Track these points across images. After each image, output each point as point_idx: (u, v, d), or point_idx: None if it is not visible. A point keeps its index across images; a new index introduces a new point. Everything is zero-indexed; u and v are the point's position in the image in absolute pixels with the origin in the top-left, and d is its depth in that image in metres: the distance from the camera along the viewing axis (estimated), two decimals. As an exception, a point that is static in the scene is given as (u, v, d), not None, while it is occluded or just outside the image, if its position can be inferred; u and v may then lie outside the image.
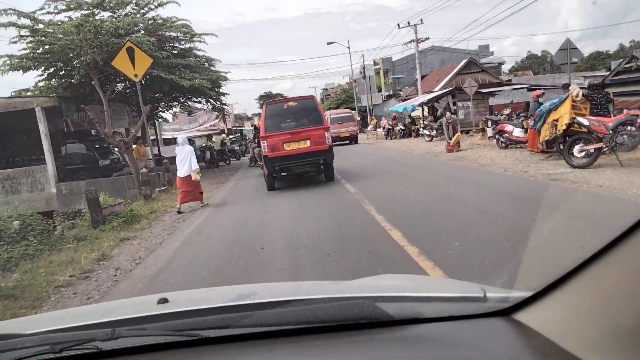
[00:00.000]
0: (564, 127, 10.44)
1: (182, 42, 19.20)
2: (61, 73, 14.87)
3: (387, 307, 1.16)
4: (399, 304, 1.24)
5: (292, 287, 2.15)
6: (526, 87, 38.71)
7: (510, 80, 46.75)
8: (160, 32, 18.27)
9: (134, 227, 8.54)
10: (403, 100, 43.50)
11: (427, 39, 37.25)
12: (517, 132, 14.02)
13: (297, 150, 10.48)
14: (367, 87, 47.80)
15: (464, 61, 44.91)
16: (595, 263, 0.89)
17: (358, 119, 36.69)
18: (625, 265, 0.83)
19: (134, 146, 17.35)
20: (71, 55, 13.85)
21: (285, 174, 11.15)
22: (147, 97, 20.54)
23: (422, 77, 48.55)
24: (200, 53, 20.13)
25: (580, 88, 10.89)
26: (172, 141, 47.18)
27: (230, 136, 43.04)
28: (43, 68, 14.74)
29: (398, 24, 37.38)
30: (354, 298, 1.29)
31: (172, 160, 28.03)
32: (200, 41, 19.14)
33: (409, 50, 43.44)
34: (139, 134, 16.51)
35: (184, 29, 18.03)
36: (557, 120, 11.21)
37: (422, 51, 39.71)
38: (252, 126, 28.92)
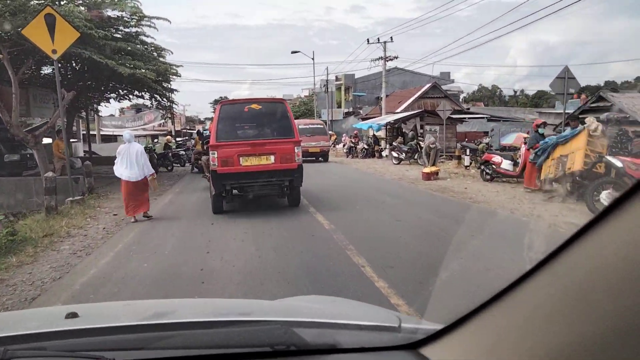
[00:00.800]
0: (582, 166, 8.70)
1: (128, 25, 16.32)
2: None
3: (305, 334, 1.17)
4: (317, 331, 1.26)
5: (212, 305, 1.95)
6: (486, 117, 38.46)
7: (468, 108, 46.66)
8: (100, 11, 15.40)
9: (4, 263, 5.73)
10: (363, 119, 42.15)
11: (396, 57, 35.84)
12: (506, 165, 12.35)
13: (257, 167, 8.28)
14: (328, 101, 46.15)
15: (428, 85, 44.37)
16: (508, 295, 0.87)
17: (331, 132, 32.53)
18: (536, 298, 0.81)
19: (54, 141, 14.24)
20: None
21: (237, 193, 8.68)
22: (76, 84, 17.49)
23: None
24: (149, 40, 17.29)
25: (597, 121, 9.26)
26: (113, 139, 43.17)
27: (178, 139, 39.65)
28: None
29: (367, 39, 35.87)
30: (272, 322, 1.27)
31: (107, 160, 24.62)
32: (150, 25, 16.35)
33: (376, 68, 42.23)
34: (58, 126, 13.40)
35: (131, 8, 15.24)
36: (565, 156, 9.51)
37: (388, 70, 38.37)
38: (198, 131, 25.56)
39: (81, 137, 26.65)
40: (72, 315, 1.29)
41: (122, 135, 36.32)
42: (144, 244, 6.72)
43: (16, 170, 14.49)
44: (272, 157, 8.30)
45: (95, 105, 22.77)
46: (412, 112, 27.49)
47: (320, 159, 23.35)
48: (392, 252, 5.64)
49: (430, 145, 14.73)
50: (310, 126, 24.58)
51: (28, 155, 14.65)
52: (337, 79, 54.73)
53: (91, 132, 42.76)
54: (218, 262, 5.47)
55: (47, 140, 15.05)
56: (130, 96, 19.95)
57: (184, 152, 24.50)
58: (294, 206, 9.18)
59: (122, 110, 53.15)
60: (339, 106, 54.99)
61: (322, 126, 25.94)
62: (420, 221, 7.81)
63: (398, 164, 20.20)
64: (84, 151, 25.11)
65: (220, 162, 8.17)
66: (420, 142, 19.56)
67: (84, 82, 17.15)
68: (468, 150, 16.38)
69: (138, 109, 46.04)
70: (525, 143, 11.83)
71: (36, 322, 1.41)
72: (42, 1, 10.77)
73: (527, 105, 62.92)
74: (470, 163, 16.15)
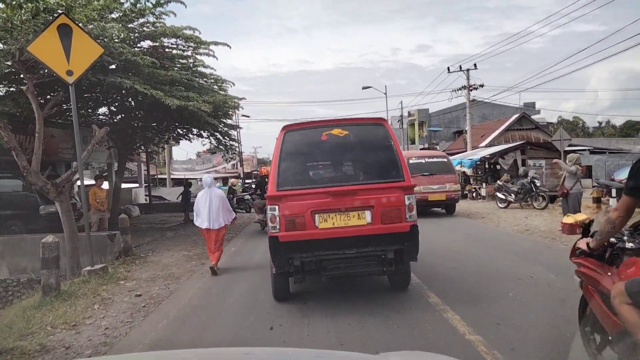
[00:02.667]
0: None
1: (184, 55, 14.21)
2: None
3: None
4: None
5: (319, 356, 1.77)
6: (588, 150, 33.04)
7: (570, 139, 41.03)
8: (158, 43, 13.44)
9: None
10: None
11: (482, 85, 31.94)
12: None
13: (343, 231, 5.15)
14: (403, 137, 42.81)
15: (516, 116, 39.82)
16: None
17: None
18: None
19: (91, 189, 11.93)
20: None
21: (311, 270, 5.32)
22: (130, 122, 15.56)
23: (461, 132, 43.62)
24: (208, 71, 15.08)
25: None
26: (181, 182, 42.38)
27: (248, 181, 37.67)
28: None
29: (448, 68, 32.58)
30: None
31: (170, 207, 22.53)
32: (208, 54, 14.12)
33: (454, 100, 38.51)
34: (98, 169, 11.12)
35: (189, 37, 13.12)
36: None
37: (472, 102, 34.45)
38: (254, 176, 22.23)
39: (142, 181, 25.13)
40: None
41: (194, 179, 34.93)
42: None
43: (54, 224, 12.33)
44: (368, 214, 5.17)
45: (153, 147, 21.05)
46: (512, 145, 23.34)
47: (447, 209, 15.35)
48: None
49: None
50: (428, 160, 15.72)
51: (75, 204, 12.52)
52: (409, 114, 51.74)
53: (162, 176, 42.42)
54: None
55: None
56: (190, 135, 17.79)
57: (249, 197, 21.93)
58: (399, 289, 5.90)
59: (198, 154, 52.93)
60: (413, 142, 51.77)
61: (445, 160, 16.18)
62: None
63: (506, 207, 16.19)
64: (146, 196, 23.48)
65: (284, 223, 5.14)
66: (536, 180, 15.50)
67: (133, 120, 15.18)
68: (614, 191, 12.17)
69: (213, 152, 45.04)
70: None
71: None
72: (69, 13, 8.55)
73: (616, 136, 56.63)
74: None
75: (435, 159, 15.88)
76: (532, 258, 7.69)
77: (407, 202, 5.21)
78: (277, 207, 5.16)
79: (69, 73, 7.34)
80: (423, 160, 15.53)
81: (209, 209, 7.80)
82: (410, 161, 13.96)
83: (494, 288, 5.83)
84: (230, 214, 8.13)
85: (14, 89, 11.58)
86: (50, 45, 7.18)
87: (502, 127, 38.41)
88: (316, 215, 5.13)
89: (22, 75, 9.16)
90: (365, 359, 1.69)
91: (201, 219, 7.88)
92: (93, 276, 7.54)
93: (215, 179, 44.59)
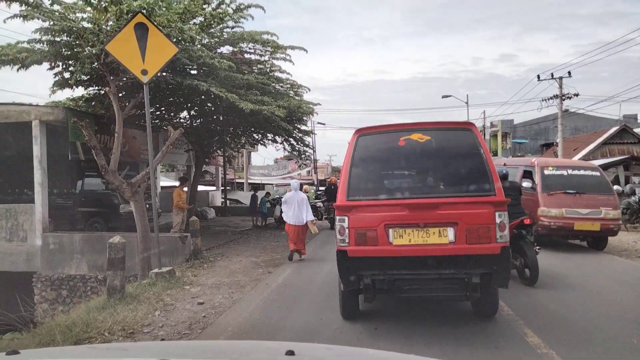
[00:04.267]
0: None
1: (262, 60, 14.17)
2: (70, 70, 10.16)
3: None
4: None
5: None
6: None
7: (680, 155, 36.66)
8: (239, 49, 13.52)
9: None
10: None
11: (577, 95, 29.28)
12: None
13: (421, 249, 4.51)
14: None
15: (615, 128, 36.14)
16: None
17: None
18: None
19: (175, 189, 12.17)
20: (76, 43, 9.10)
21: (383, 290, 4.66)
22: (209, 125, 15.79)
23: (550, 145, 40.38)
24: (284, 76, 14.94)
25: None
26: (260, 187, 43.08)
27: (322, 188, 37.36)
28: (51, 64, 10.17)
29: (538, 76, 30.17)
30: None
31: (245, 210, 22.65)
32: (285, 59, 13.95)
33: (544, 111, 35.80)
34: (182, 171, 11.20)
35: (266, 41, 13.05)
36: None
37: (564, 113, 31.68)
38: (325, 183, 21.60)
39: (219, 185, 25.66)
40: (290, 352, 1.40)
41: (270, 184, 35.59)
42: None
43: (134, 223, 12.71)
44: (451, 232, 4.48)
45: (230, 151, 21.37)
46: (615, 159, 21.00)
47: (596, 243, 10.56)
48: None
49: None
50: (574, 172, 10.69)
51: (147, 206, 12.89)
52: (492, 125, 49.07)
53: (239, 180, 43.56)
54: None
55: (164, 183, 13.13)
56: (265, 140, 17.79)
57: (321, 204, 21.51)
58: (486, 317, 5.11)
59: (275, 161, 53.92)
60: (495, 154, 49.03)
61: (598, 174, 10.86)
62: None
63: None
64: (223, 199, 23.92)
65: (353, 236, 4.59)
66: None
67: (211, 124, 15.38)
68: None
69: (290, 158, 45.49)
70: None
71: (262, 355, 1.67)
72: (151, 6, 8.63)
73: None
74: None
75: (584, 172, 10.61)
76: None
77: (498, 220, 4.45)
78: (346, 218, 4.63)
79: (144, 72, 7.30)
80: (565, 172, 10.50)
81: (293, 208, 9.42)
82: (546, 172, 10.35)
83: (608, 330, 4.78)
84: (309, 215, 9.46)
85: (101, 91, 12.07)
86: (127, 44, 7.20)
87: (599, 140, 34.96)
88: (390, 230, 4.54)
89: (106, 78, 9.41)
90: None
91: (287, 216, 9.54)
92: (160, 279, 7.40)
93: (289, 185, 44.99)
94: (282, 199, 10.03)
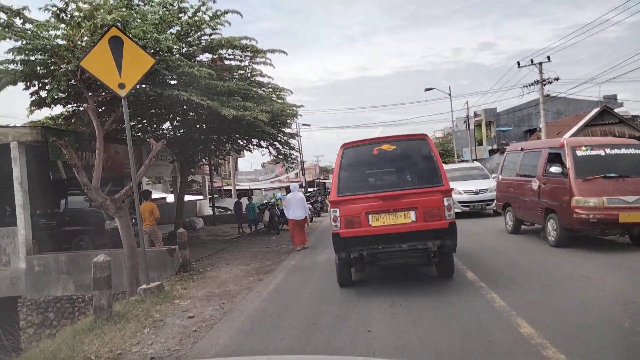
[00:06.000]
0: None
1: (241, 61, 14.03)
2: (46, 89, 9.98)
3: None
4: None
5: None
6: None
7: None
8: (218, 56, 13.39)
9: None
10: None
11: (557, 79, 29.61)
12: None
13: (392, 228, 6.19)
14: (470, 139, 40.86)
15: (596, 110, 36.56)
16: None
17: None
18: None
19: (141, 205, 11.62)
20: (51, 61, 8.95)
21: (368, 262, 6.41)
22: (191, 135, 15.64)
23: (534, 130, 40.79)
24: (265, 80, 14.83)
25: None
26: (249, 193, 42.81)
27: (310, 189, 37.31)
28: (26, 84, 9.98)
29: (518, 63, 30.50)
30: None
31: (224, 218, 22.29)
32: (265, 63, 13.84)
33: (526, 97, 36.03)
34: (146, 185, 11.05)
35: (244, 46, 12.94)
36: None
37: (546, 98, 32.00)
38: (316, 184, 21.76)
39: (207, 193, 25.49)
40: None
41: (258, 189, 35.86)
42: None
43: (120, 240, 12.52)
44: (413, 214, 6.16)
45: (215, 159, 21.21)
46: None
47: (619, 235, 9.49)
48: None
49: None
50: (614, 152, 9.05)
51: (133, 221, 12.73)
52: (475, 115, 49.41)
53: (227, 187, 43.31)
54: None
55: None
56: (250, 146, 17.67)
57: (311, 206, 21.47)
58: (445, 277, 6.82)
59: (263, 165, 53.64)
60: (480, 144, 49.41)
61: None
62: None
63: None
64: (210, 207, 23.76)
65: (343, 222, 6.28)
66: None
67: (194, 133, 15.24)
68: None
69: (277, 162, 45.23)
70: None
71: None
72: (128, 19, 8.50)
73: None
74: None
75: (625, 150, 8.92)
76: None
77: (446, 204, 6.08)
78: (338, 209, 6.28)
79: (121, 86, 7.20)
80: (602, 152, 8.71)
81: (294, 206, 11.68)
82: (578, 153, 8.62)
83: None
84: (306, 211, 11.96)
85: (80, 108, 11.88)
86: (102, 58, 7.08)
87: (582, 123, 35.36)
88: (369, 216, 6.18)
89: (84, 94, 9.26)
90: None
91: (289, 213, 11.82)
92: (148, 295, 7.29)
93: (279, 188, 44.84)
94: (285, 199, 12.37)
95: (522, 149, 11.03)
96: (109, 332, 5.58)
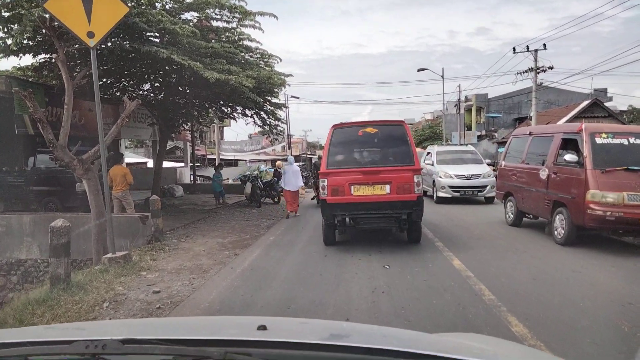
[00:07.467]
0: None
1: (228, 22, 13.22)
2: (12, 34, 9.13)
3: None
4: None
5: (381, 332, 1.77)
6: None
7: (647, 130, 37.29)
8: (205, 15, 12.57)
9: None
10: (499, 143, 35.74)
11: (551, 68, 29.19)
12: None
13: (370, 198, 7.46)
14: (460, 123, 40.56)
15: (586, 102, 36.51)
16: None
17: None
18: None
19: (115, 169, 10.89)
20: (17, 3, 8.14)
21: (349, 225, 7.87)
22: (171, 97, 14.85)
23: (524, 119, 40.69)
24: (253, 45, 14.05)
25: None
26: (233, 163, 42.01)
27: (295, 164, 36.47)
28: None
29: (514, 48, 29.97)
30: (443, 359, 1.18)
31: (204, 188, 21.52)
32: (254, 26, 13.05)
33: (518, 85, 35.69)
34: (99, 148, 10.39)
35: (233, 6, 12.16)
36: None
37: (538, 86, 31.66)
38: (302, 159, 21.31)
39: (188, 161, 24.72)
40: (262, 327, 1.36)
41: (243, 160, 35.44)
42: None
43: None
44: (387, 187, 7.41)
45: (198, 125, 20.43)
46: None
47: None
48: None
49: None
50: (638, 141, 7.74)
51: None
52: (466, 99, 49.03)
53: (211, 157, 42.40)
54: None
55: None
56: (235, 114, 16.96)
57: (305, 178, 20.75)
58: (414, 242, 8.01)
59: (250, 136, 52.49)
60: (469, 129, 49.24)
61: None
62: None
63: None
64: (191, 175, 23.05)
65: (330, 190, 7.54)
66: None
67: (175, 96, 14.47)
68: None
69: (264, 133, 43.85)
70: None
71: (236, 330, 1.52)
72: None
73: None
74: None
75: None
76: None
77: (415, 180, 7.32)
78: (326, 180, 7.52)
79: (90, 35, 6.48)
80: (626, 141, 7.59)
81: (289, 177, 12.45)
82: (598, 140, 7.56)
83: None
84: (300, 183, 12.88)
85: (51, 59, 11.04)
86: (70, 2, 6.33)
87: (571, 114, 35.27)
88: (352, 187, 7.42)
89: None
90: (421, 337, 1.59)
91: (285, 183, 12.60)
92: (113, 265, 6.77)
93: (264, 161, 43.96)
94: (282, 171, 13.27)
95: (530, 133, 9.92)
96: (64, 304, 5.08)
